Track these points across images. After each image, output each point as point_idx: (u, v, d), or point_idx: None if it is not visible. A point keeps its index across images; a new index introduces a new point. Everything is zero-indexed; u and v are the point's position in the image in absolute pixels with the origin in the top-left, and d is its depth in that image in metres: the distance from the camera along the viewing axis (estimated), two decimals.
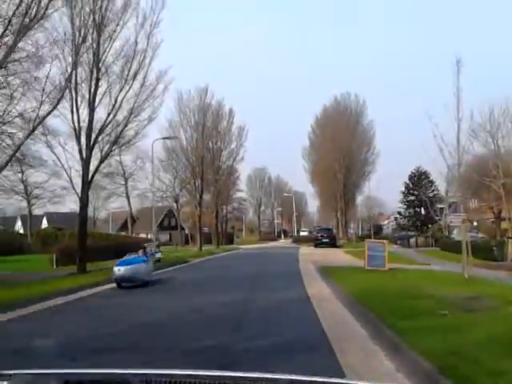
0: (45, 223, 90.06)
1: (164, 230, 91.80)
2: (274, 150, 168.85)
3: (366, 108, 59.23)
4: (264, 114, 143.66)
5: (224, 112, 46.46)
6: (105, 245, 31.01)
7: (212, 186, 47.58)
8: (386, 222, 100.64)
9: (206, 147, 42.45)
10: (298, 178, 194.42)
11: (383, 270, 17.48)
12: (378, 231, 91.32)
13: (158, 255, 24.10)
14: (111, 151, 22.92)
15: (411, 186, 58.53)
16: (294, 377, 1.17)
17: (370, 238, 67.79)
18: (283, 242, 75.49)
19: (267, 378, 1.23)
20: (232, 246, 58.12)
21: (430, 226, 57.63)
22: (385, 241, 20.58)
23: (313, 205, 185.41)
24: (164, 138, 26.68)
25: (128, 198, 71.70)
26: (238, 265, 23.84)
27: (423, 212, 57.93)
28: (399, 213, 59.46)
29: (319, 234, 44.77)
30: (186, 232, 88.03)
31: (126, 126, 22.24)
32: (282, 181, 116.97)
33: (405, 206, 58.95)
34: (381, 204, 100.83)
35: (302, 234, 78.96)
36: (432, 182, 58.09)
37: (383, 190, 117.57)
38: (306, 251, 38.79)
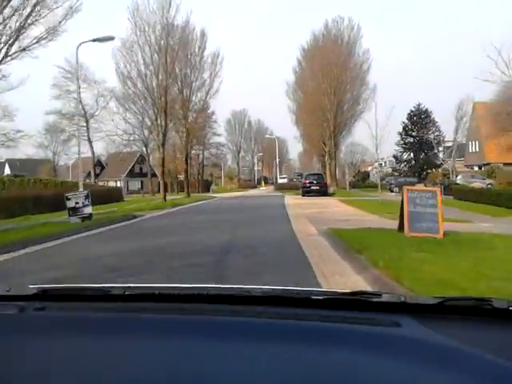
0: (7, 170, 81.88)
1: (135, 177, 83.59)
2: (255, 94, 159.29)
3: (361, 36, 50.74)
4: (245, 54, 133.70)
5: (195, 34, 37.83)
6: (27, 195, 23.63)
7: (180, 123, 39.49)
8: (369, 168, 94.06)
9: (171, 74, 33.99)
10: (280, 123, 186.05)
11: (437, 236, 10.26)
12: (364, 178, 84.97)
13: (88, 210, 16.63)
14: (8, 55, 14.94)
15: (410, 126, 51.20)
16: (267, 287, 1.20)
17: (356, 185, 61.43)
18: (264, 189, 68.46)
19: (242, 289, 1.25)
20: (206, 194, 50.69)
21: (429, 171, 50.75)
22: (437, 188, 13.02)
23: (294, 151, 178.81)
24: (95, 40, 18.44)
25: (90, 141, 63.10)
26: (203, 225, 15.95)
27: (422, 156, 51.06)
28: (395, 157, 52.26)
29: (307, 181, 37.39)
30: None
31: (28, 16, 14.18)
32: (262, 125, 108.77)
33: (401, 149, 51.84)
34: (364, 151, 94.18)
35: (280, 181, 71.96)
36: (434, 122, 50.89)
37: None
38: (294, 201, 31.50)
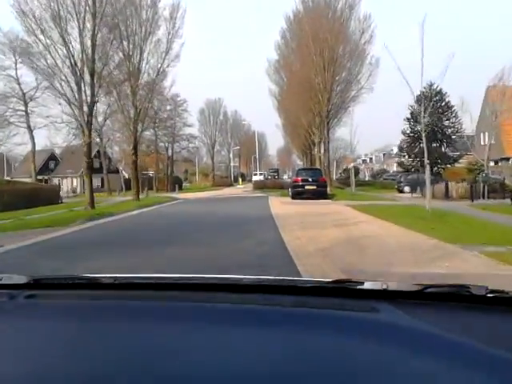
0: None
1: (96, 174, 71.72)
2: (232, 85, 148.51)
3: None
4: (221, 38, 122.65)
5: None
6: None
7: (127, 99, 28.78)
8: (351, 165, 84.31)
9: (108, 26, 23.16)
10: (259, 117, 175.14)
11: None
12: (354, 175, 75.15)
13: None
14: None
15: (419, 110, 41.28)
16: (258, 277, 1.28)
17: (346, 183, 51.96)
18: (241, 187, 57.90)
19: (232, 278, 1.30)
20: (171, 195, 39.99)
21: (444, 166, 40.88)
22: None
23: (273, 147, 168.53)
24: None
25: (30, 129, 51.65)
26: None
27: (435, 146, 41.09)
28: (400, 149, 41.98)
29: (300, 178, 26.91)
30: (126, 176, 69.65)
31: None
32: (239, 118, 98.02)
33: (409, 139, 41.82)
34: (346, 146, 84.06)
35: (255, 178, 61.20)
36: (449, 107, 40.97)
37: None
38: (284, 208, 21.09)
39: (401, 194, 35.56)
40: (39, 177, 64.30)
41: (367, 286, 1.13)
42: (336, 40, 37.62)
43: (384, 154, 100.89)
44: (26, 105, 48.84)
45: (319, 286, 1.18)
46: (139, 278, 1.33)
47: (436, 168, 40.92)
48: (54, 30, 19.54)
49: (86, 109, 21.18)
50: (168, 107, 64.88)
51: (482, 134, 49.72)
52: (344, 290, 1.14)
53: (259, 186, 41.49)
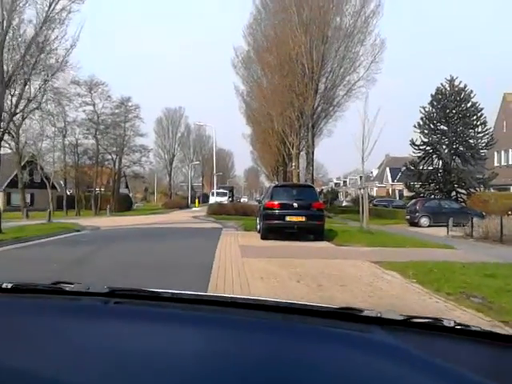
0: None
1: (25, 188, 57.33)
2: (195, 95, 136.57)
3: None
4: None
5: None
6: None
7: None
8: (321, 188, 72.82)
9: None
10: (226, 135, 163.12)
11: None
12: (332, 199, 63.70)
13: None
14: None
15: (435, 114, 29.86)
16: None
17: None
18: (197, 210, 45.10)
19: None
20: (77, 220, 27.18)
21: (468, 190, 29.26)
22: None
23: (240, 168, 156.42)
24: None
25: None
26: None
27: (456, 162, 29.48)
28: (413, 163, 30.08)
29: (278, 203, 14.47)
30: (67, 192, 56.24)
31: None
32: (204, 132, 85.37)
33: (420, 152, 30.14)
34: (317, 167, 72.30)
35: (213, 199, 45.73)
36: (477, 109, 29.57)
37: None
38: (248, 273, 8.80)
39: (417, 229, 23.81)
40: None
41: (365, 313, 1.29)
42: (327, 10, 26.06)
43: (361, 177, 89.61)
44: None
45: (326, 311, 1.34)
46: (189, 295, 1.48)
47: (454, 192, 29.45)
48: None
49: None
50: (116, 111, 52.66)
51: (497, 152, 38.94)
52: (346, 315, 1.29)
53: (215, 211, 29.04)
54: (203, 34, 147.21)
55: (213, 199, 45.34)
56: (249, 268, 9.31)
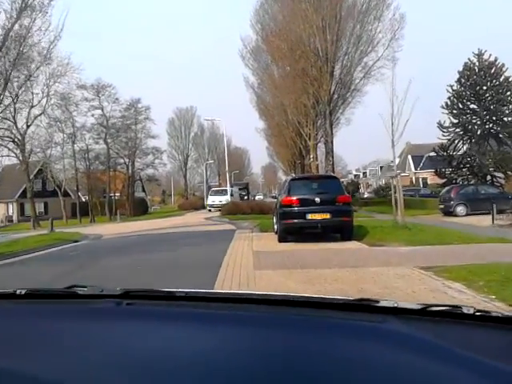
0: None
1: (38, 198, 55.60)
2: (209, 93, 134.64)
3: None
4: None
5: None
6: None
7: None
8: (341, 180, 69.76)
9: None
10: (242, 133, 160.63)
11: None
12: (353, 191, 60.86)
13: None
14: None
15: (464, 92, 27.10)
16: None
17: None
18: (211, 211, 41.11)
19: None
20: (82, 229, 25.18)
21: (509, 172, 26.40)
22: None
23: (257, 165, 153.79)
24: None
25: None
26: None
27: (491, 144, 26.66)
28: (442, 147, 27.27)
29: (296, 198, 12.06)
30: (82, 198, 54.82)
31: None
32: (217, 130, 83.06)
33: (450, 135, 27.34)
34: (336, 159, 69.47)
35: (212, 201, 40.69)
36: (511, 83, 26.64)
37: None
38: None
39: (454, 219, 21.18)
40: None
41: (381, 303, 1.27)
42: None
43: (381, 167, 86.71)
44: None
45: (343, 303, 1.33)
46: (204, 293, 1.50)
47: (490, 177, 26.64)
48: None
49: None
50: (126, 113, 50.72)
51: None
52: (362, 306, 1.29)
53: (230, 211, 26.73)
54: (210, 31, 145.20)
55: (211, 200, 40.65)
56: (264, 286, 7.01)
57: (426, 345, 1.02)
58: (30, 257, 12.74)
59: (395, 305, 1.25)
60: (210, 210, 38.50)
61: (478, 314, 1.19)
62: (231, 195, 39.05)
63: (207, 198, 45.19)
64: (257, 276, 7.83)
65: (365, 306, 1.28)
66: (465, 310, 1.21)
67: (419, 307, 1.24)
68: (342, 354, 1.03)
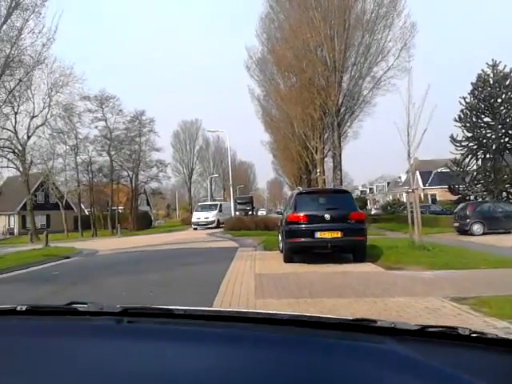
0: None
1: (40, 210, 54.54)
2: (213, 107, 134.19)
3: None
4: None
5: None
6: None
7: None
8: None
9: None
10: (244, 146, 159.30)
11: None
12: (361, 208, 59.43)
13: None
14: None
15: (478, 104, 25.88)
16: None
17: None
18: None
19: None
20: (75, 245, 23.99)
21: None
22: None
23: (263, 180, 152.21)
24: None
25: None
26: None
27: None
28: (456, 162, 25.97)
29: (304, 215, 10.83)
30: (84, 211, 53.65)
31: None
32: (223, 145, 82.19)
33: (461, 149, 26.06)
34: (343, 175, 68.20)
35: (197, 218, 35.73)
36: None
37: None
38: None
39: (470, 238, 19.82)
40: None
41: (379, 324, 1.27)
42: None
43: (388, 183, 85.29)
44: None
45: (341, 322, 1.31)
46: (202, 311, 1.47)
47: (506, 194, 25.28)
48: None
49: None
50: (129, 125, 49.76)
51: None
52: (359, 327, 1.28)
53: (233, 227, 25.49)
54: (214, 43, 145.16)
55: (196, 217, 35.93)
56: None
57: (422, 366, 1.02)
58: (4, 277, 11.47)
59: (392, 325, 1.24)
60: (195, 229, 34.07)
61: (473, 335, 1.19)
62: (219, 211, 35.51)
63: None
64: (258, 307, 6.58)
65: (363, 327, 1.26)
66: (460, 332, 1.21)
67: (416, 328, 1.23)
68: (340, 374, 1.02)
